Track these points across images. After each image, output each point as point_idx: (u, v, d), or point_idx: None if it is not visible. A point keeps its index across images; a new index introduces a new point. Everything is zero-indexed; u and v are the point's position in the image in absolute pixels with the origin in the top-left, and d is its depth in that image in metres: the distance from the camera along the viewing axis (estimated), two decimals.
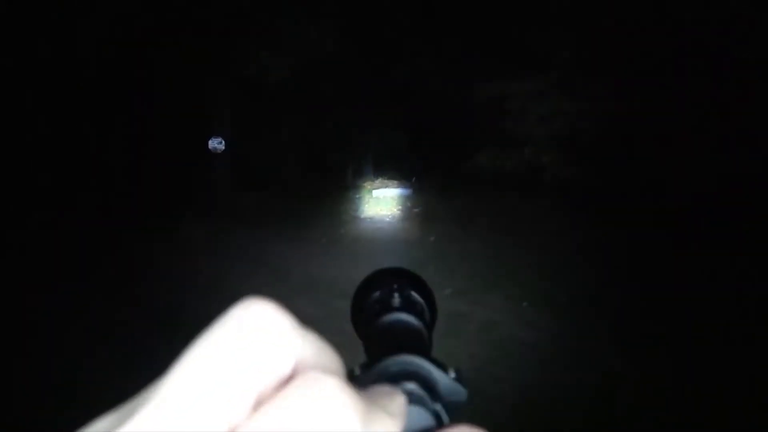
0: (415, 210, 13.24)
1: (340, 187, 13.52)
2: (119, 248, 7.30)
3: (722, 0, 7.57)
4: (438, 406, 0.31)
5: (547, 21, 9.30)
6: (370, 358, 0.37)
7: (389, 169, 14.85)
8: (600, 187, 9.50)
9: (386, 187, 16.67)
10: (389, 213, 13.05)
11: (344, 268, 6.64)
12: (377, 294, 0.43)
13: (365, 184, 15.50)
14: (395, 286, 0.42)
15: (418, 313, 0.41)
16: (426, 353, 0.35)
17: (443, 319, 0.47)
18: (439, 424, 0.31)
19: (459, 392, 0.33)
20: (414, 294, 0.43)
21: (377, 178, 17.37)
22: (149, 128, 10.44)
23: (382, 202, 14.46)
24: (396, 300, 0.41)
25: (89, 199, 9.08)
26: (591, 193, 9.65)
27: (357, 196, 14.04)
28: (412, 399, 0.30)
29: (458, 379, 0.34)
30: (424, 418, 0.30)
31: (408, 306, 0.41)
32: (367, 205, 13.47)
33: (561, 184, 10.42)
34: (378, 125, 14.07)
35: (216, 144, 10.76)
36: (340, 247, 8.46)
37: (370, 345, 0.40)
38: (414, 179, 16.76)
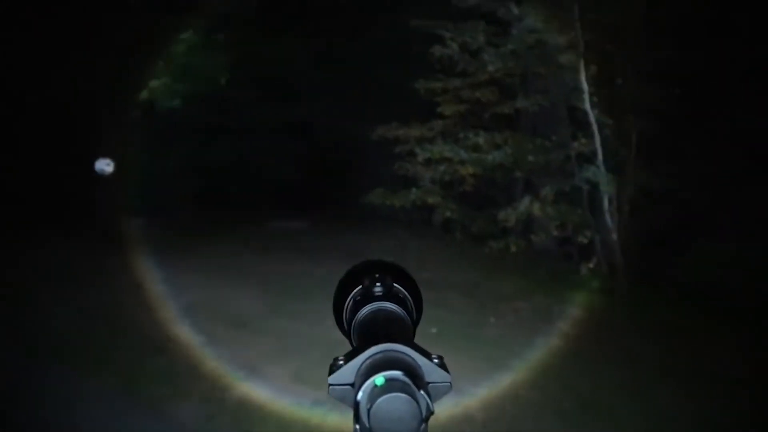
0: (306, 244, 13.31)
1: (232, 219, 13.29)
2: None
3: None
4: (422, 393, 0.31)
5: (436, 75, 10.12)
6: (354, 346, 0.38)
7: (284, 203, 14.83)
8: (481, 228, 10.28)
9: (279, 220, 16.58)
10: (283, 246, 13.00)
11: (230, 297, 6.59)
12: (359, 284, 0.42)
13: (258, 218, 15.31)
14: (377, 276, 0.42)
15: (400, 302, 0.41)
16: (409, 340, 0.35)
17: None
18: (424, 410, 0.31)
19: (443, 378, 0.33)
20: (396, 284, 0.44)
21: (270, 212, 17.21)
22: (36, 145, 9.76)
23: (273, 236, 14.34)
24: (378, 289, 0.41)
25: None
26: (473, 233, 10.41)
27: (249, 229, 13.82)
28: (397, 386, 0.30)
29: (441, 365, 0.33)
30: (409, 404, 0.30)
31: (390, 295, 0.42)
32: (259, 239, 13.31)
33: (445, 224, 11.13)
34: (271, 159, 14.11)
35: (104, 166, 10.25)
36: (228, 278, 8.35)
37: (354, 334, 0.39)
38: (307, 214, 16.83)
